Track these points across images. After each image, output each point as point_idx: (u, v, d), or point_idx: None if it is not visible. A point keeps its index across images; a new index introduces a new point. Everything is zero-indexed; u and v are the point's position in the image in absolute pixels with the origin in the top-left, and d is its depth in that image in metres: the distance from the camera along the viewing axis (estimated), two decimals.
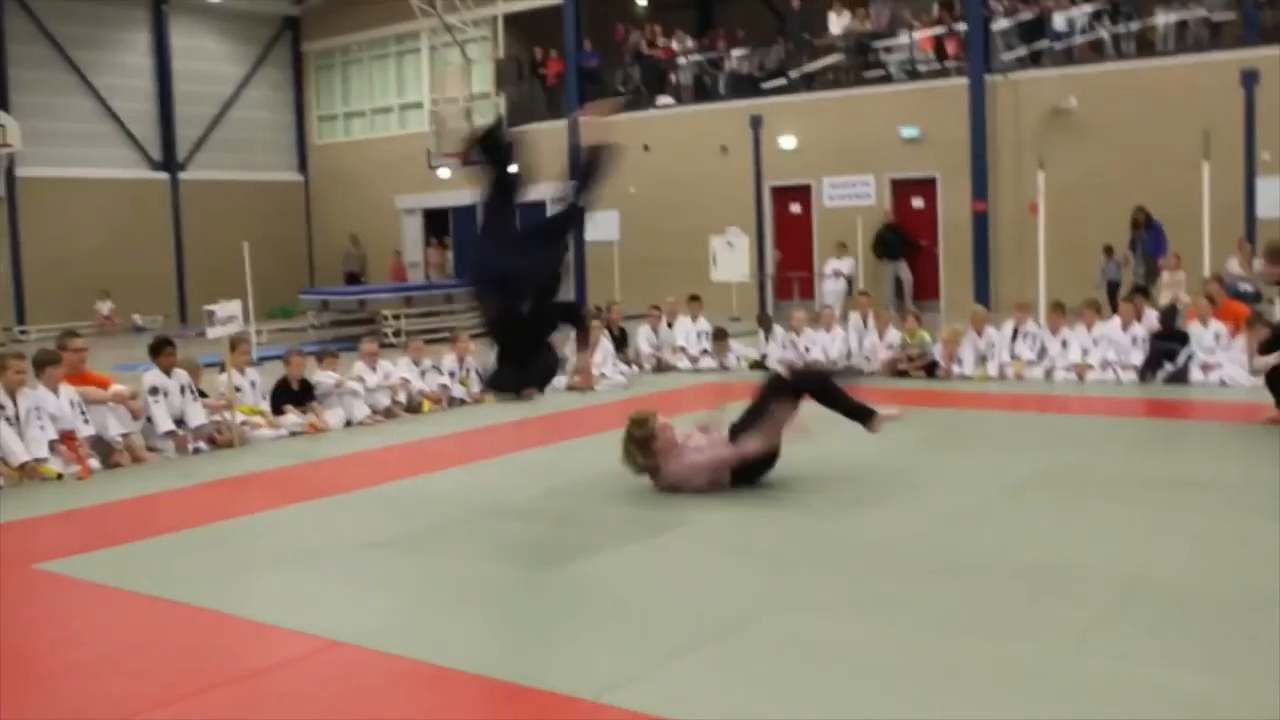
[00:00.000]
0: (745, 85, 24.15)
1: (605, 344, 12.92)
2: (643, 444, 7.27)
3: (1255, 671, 4.08)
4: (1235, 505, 6.60)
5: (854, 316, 14.31)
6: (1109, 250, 17.95)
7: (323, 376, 10.72)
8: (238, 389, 9.93)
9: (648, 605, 5.05)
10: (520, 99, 26.58)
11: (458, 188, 26.21)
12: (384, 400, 10.96)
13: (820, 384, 7.72)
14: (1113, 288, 17.51)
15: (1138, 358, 12.12)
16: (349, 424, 10.54)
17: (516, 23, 26.47)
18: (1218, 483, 7.19)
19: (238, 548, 6.33)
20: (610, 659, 4.40)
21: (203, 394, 9.82)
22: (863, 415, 7.62)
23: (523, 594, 5.30)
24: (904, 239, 21.34)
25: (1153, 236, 17.38)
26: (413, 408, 11.18)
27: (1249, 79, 18.50)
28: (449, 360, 11.84)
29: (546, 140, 25.02)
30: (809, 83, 23.44)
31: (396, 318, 18.91)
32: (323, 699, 4.13)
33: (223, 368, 10.12)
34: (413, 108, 29.10)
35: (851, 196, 22.02)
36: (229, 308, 9.88)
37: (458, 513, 6.91)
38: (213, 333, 9.83)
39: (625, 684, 4.14)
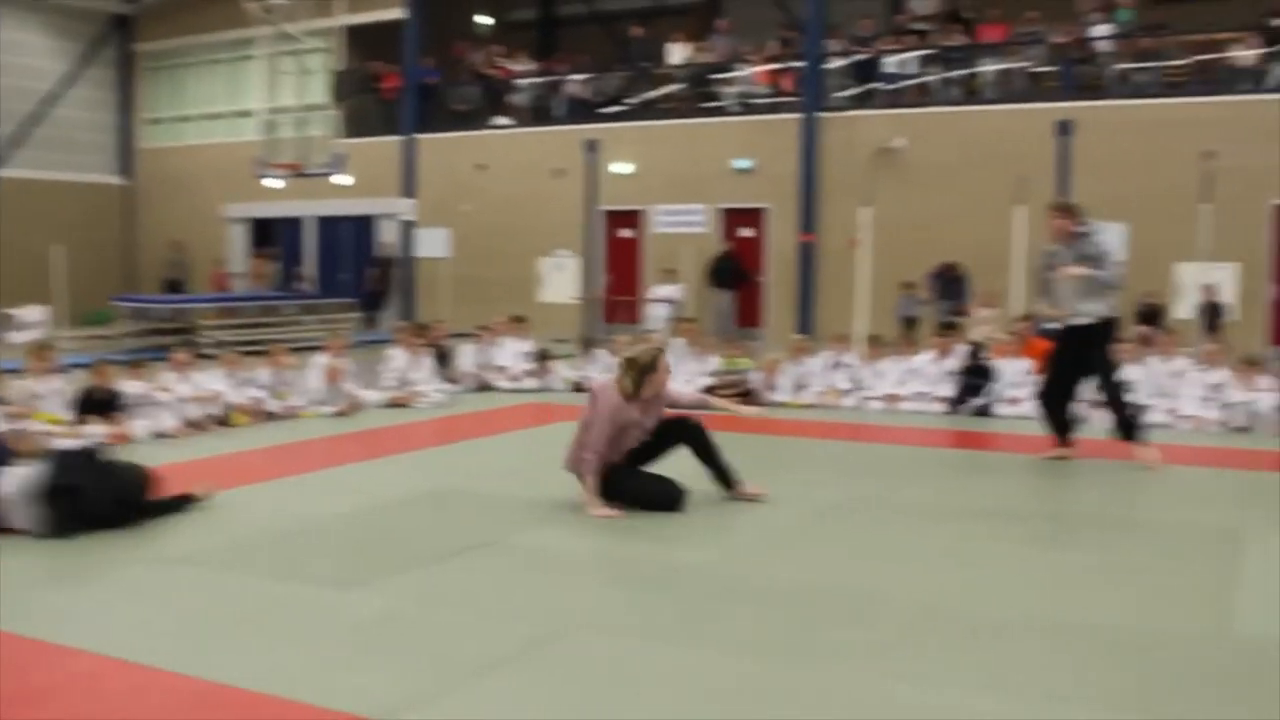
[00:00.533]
0: (583, 110, 24.27)
1: (426, 362, 12.80)
2: (643, 370, 7.36)
3: (1033, 692, 4.25)
4: (1024, 534, 6.84)
5: (677, 342, 14.44)
6: (909, 285, 18.49)
7: (130, 386, 10.39)
8: (38, 396, 9.57)
9: (451, 624, 5.01)
10: (356, 112, 26.27)
11: (286, 198, 25.79)
12: (194, 412, 10.66)
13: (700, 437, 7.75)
14: (909, 322, 18.05)
15: (947, 390, 12.51)
16: (156, 435, 10.22)
17: (356, 35, 26.16)
18: (1010, 511, 7.44)
19: None
20: (407, 679, 4.34)
21: (1, 400, 9.44)
22: (728, 480, 7.68)
23: (321, 613, 5.19)
24: (740, 270, 21.67)
25: (954, 286, 18.02)
26: (224, 421, 10.90)
27: (1064, 129, 19.29)
28: (264, 373, 11.59)
29: (381, 153, 24.99)
30: (646, 111, 23.68)
31: (215, 328, 18.43)
32: None
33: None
34: (245, 115, 28.48)
35: (682, 224, 22.26)
36: (31, 313, 9.53)
37: (260, 530, 6.74)
38: (13, 338, 9.46)
39: (419, 704, 4.09)
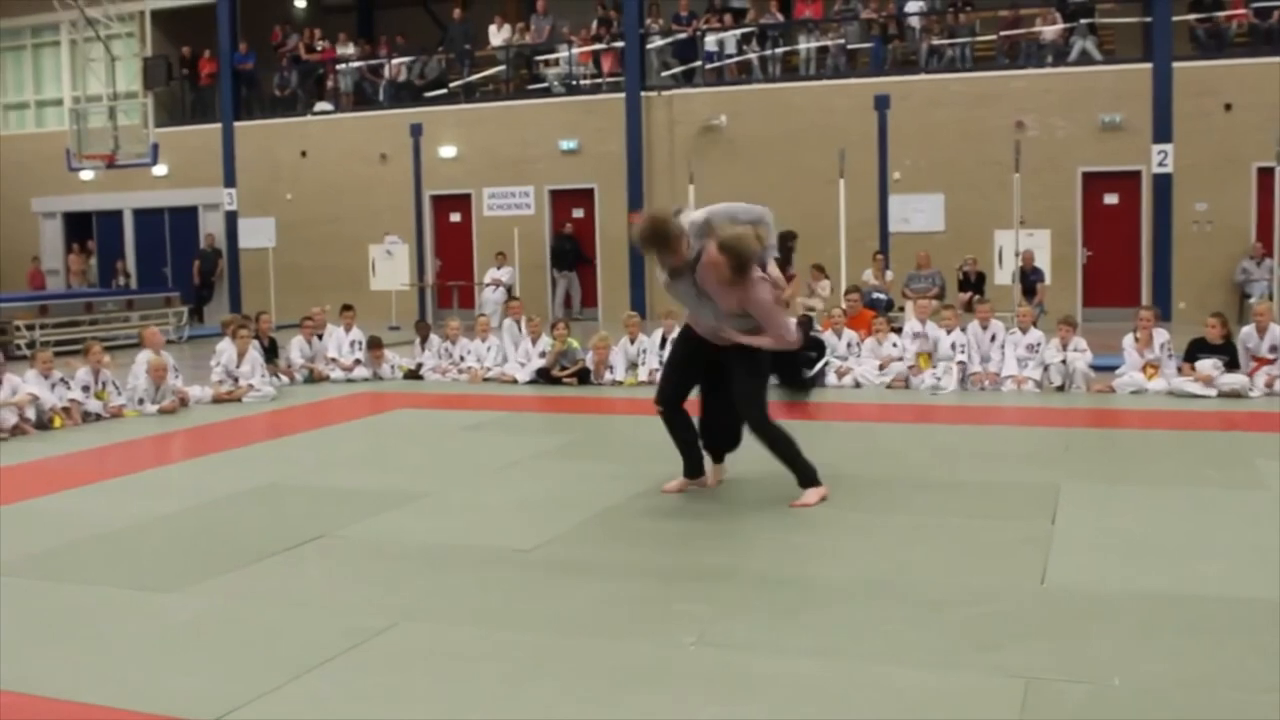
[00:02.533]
0: (406, 93, 23.97)
1: (254, 355, 12.50)
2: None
3: (857, 653, 4.36)
4: (855, 501, 6.99)
5: (508, 323, 14.40)
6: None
7: None
8: None
9: (276, 622, 4.91)
10: (170, 100, 25.48)
11: (101, 190, 24.94)
12: (10, 418, 10.21)
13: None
14: None
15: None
16: None
17: (165, 19, 25.33)
18: (843, 479, 7.57)
19: None
20: (231, 680, 4.23)
21: None
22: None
23: (143, 618, 5.04)
24: (578, 251, 21.72)
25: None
26: (43, 424, 10.49)
27: (881, 103, 19.74)
28: (83, 373, 11.17)
29: (197, 142, 24.31)
30: (469, 93, 23.49)
31: (30, 328, 17.72)
32: None
33: None
34: (52, 104, 27.40)
35: (511, 206, 22.20)
36: None
37: (80, 536, 6.50)
38: None
39: (244, 704, 4.00)
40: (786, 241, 15.31)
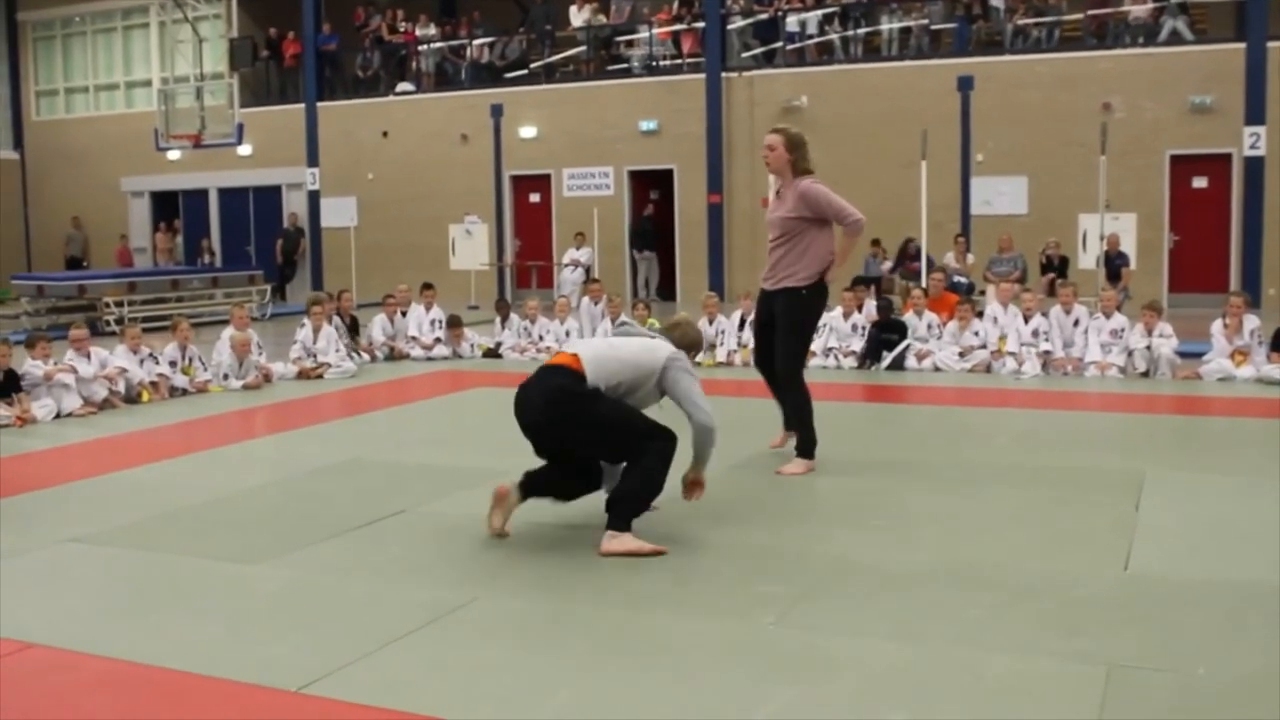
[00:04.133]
0: (487, 74, 24.10)
1: (330, 332, 12.66)
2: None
3: (942, 637, 4.33)
4: (938, 486, 6.94)
5: (586, 303, 14.45)
6: (875, 243, 18.23)
7: (30, 366, 10.16)
8: None
9: (361, 594, 4.98)
10: (255, 80, 25.83)
11: (188, 170, 25.36)
12: (100, 391, 10.44)
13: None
14: (867, 282, 17.97)
15: (859, 345, 12.64)
16: (59, 416, 10.01)
17: (251, 2, 25.68)
18: (925, 464, 7.54)
19: None
20: (319, 650, 4.30)
21: None
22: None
23: (232, 588, 5.13)
24: (658, 232, 21.78)
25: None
26: (131, 398, 10.71)
27: (965, 84, 19.51)
28: (170, 348, 11.38)
29: (283, 122, 24.61)
30: (550, 74, 23.56)
31: (119, 304, 18.08)
32: (16, 704, 3.92)
33: None
34: (140, 85, 27.89)
35: (590, 187, 22.25)
36: None
37: (170, 507, 6.64)
38: None
39: (332, 674, 4.07)
40: None
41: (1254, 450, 8.03)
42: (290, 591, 5.06)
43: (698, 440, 5.79)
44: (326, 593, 5.03)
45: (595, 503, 5.88)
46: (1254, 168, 18.32)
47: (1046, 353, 11.90)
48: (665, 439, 5.62)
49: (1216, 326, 11.56)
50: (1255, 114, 18.15)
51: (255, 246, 26.21)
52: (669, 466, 5.65)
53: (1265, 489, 6.77)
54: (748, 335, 12.85)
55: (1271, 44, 18.20)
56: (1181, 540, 5.67)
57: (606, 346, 5.97)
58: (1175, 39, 19.32)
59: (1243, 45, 18.38)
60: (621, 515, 5.53)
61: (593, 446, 5.73)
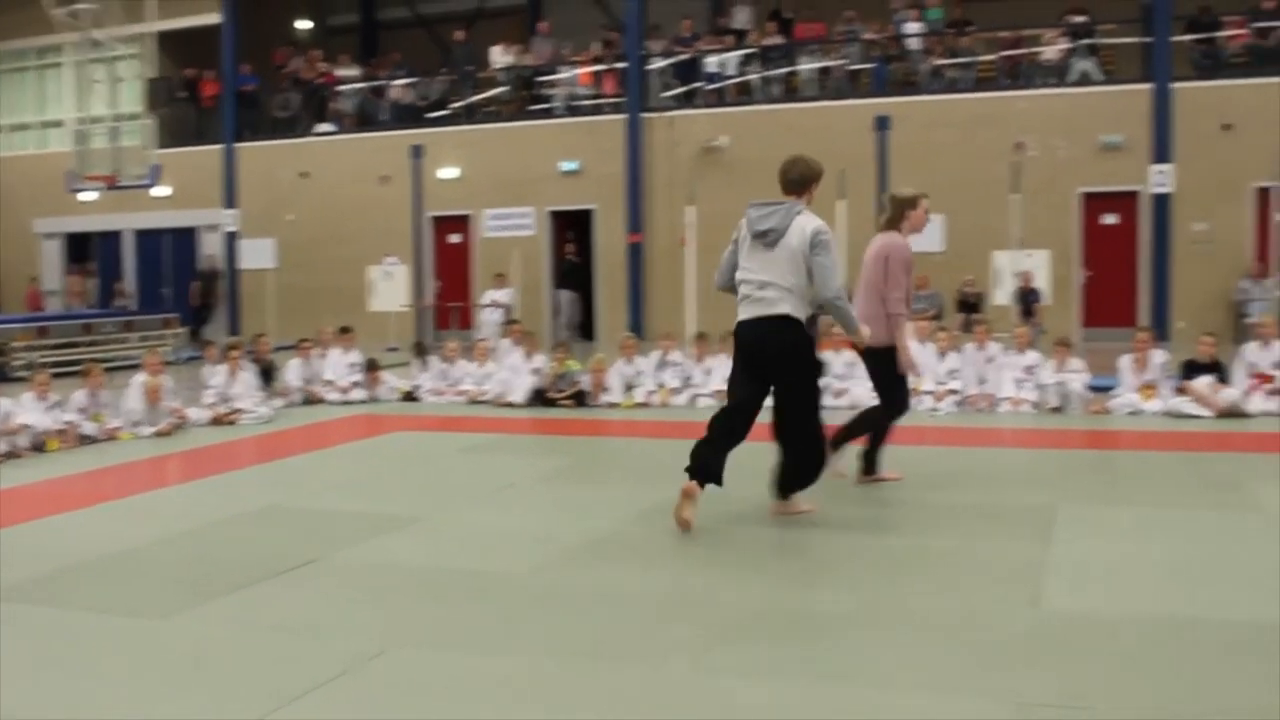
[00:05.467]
0: (408, 115, 24.03)
1: (247, 377, 12.49)
2: (903, 204, 7.84)
3: (862, 679, 4.33)
4: (854, 525, 6.97)
5: (506, 344, 14.40)
6: None
7: None
8: None
9: (271, 648, 4.89)
10: (173, 121, 25.55)
11: (103, 211, 24.98)
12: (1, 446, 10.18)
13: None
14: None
15: None
16: None
17: (169, 41, 25.42)
18: (841, 503, 7.56)
19: None
20: (224, 706, 4.21)
21: None
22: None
23: (139, 645, 5.01)
24: (583, 271, 21.79)
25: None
26: (37, 447, 10.48)
27: (882, 124, 19.73)
28: (79, 395, 11.16)
29: (201, 162, 24.36)
30: (471, 114, 23.56)
31: (29, 349, 17.72)
32: None
33: None
34: (54, 126, 27.49)
35: (511, 227, 22.22)
36: None
37: (73, 560, 6.47)
38: None
39: None
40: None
41: (1162, 483, 8.17)
42: (197, 647, 4.95)
43: None
44: (235, 647, 4.93)
45: (515, 547, 5.82)
46: (1161, 204, 18.73)
47: (953, 391, 12.04)
48: None
49: (1124, 361, 11.77)
50: (1161, 152, 18.57)
51: (171, 289, 25.86)
52: None
53: (1172, 523, 6.88)
54: (667, 376, 12.91)
55: (1176, 85, 18.66)
56: (1091, 576, 5.74)
57: None
58: (1085, 80, 19.74)
59: (1149, 86, 18.81)
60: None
61: None
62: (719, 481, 6.77)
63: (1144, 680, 4.28)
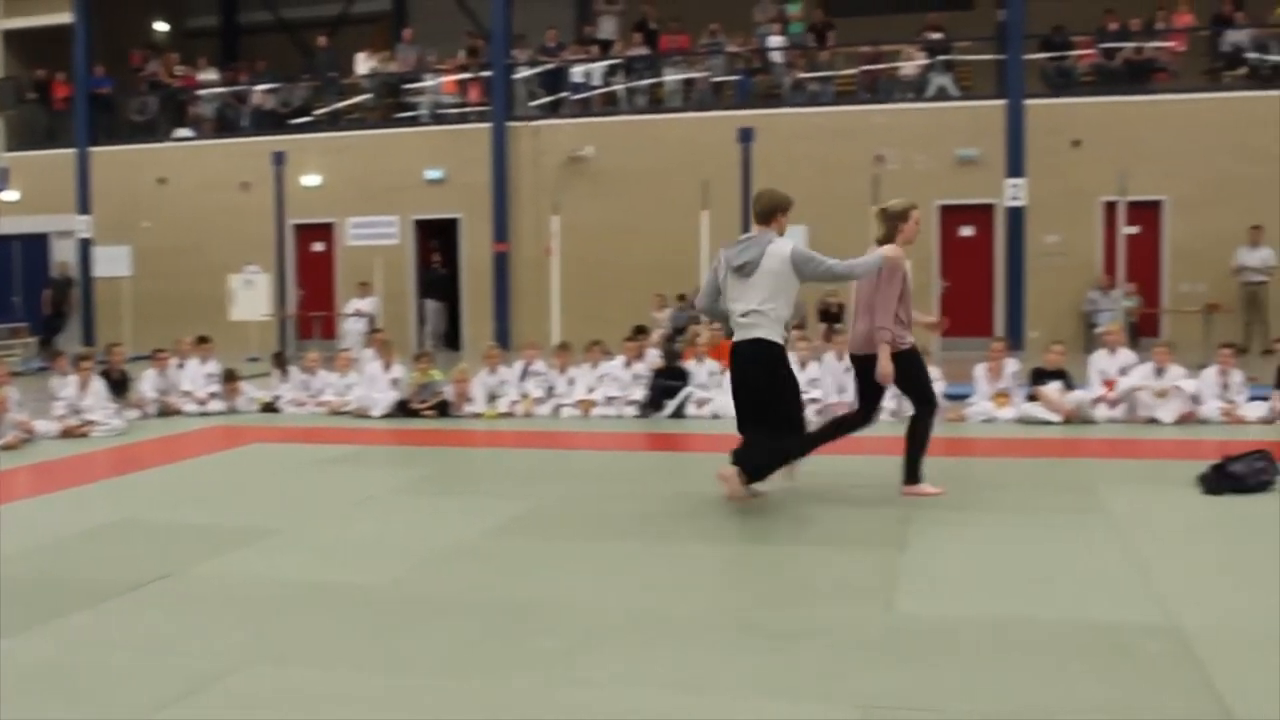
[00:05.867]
0: (269, 121, 23.64)
1: (98, 388, 12.16)
2: (895, 218, 7.99)
3: (718, 686, 4.39)
4: (714, 534, 7.05)
5: (369, 353, 14.26)
6: (682, 298, 18.38)
7: None
8: None
9: (119, 666, 4.76)
10: (21, 123, 24.79)
11: None
12: None
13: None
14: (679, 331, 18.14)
15: (640, 393, 12.77)
16: None
17: (18, 41, 24.71)
18: (703, 511, 7.64)
19: None
20: None
21: None
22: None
23: None
24: (450, 280, 21.65)
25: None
26: None
27: (745, 136, 19.97)
28: None
29: (50, 167, 23.65)
30: (335, 121, 23.27)
31: None
32: None
33: None
34: None
35: (375, 236, 21.98)
36: None
37: None
38: None
39: None
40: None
41: (1015, 489, 8.40)
42: (41, 667, 4.81)
43: None
44: (80, 667, 4.80)
45: (374, 559, 5.75)
46: (1015, 217, 19.27)
47: (814, 400, 12.22)
48: None
49: (979, 370, 12.08)
50: (1015, 167, 19.11)
51: (21, 297, 25.05)
52: None
53: (1022, 527, 7.08)
54: (530, 385, 12.90)
55: (1029, 101, 19.22)
56: (943, 580, 5.88)
57: None
58: (942, 95, 20.23)
59: (1003, 102, 19.35)
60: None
61: None
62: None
63: (992, 681, 4.40)
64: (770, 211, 7.65)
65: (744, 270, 7.47)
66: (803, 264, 7.44)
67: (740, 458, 7.64)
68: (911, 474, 8.10)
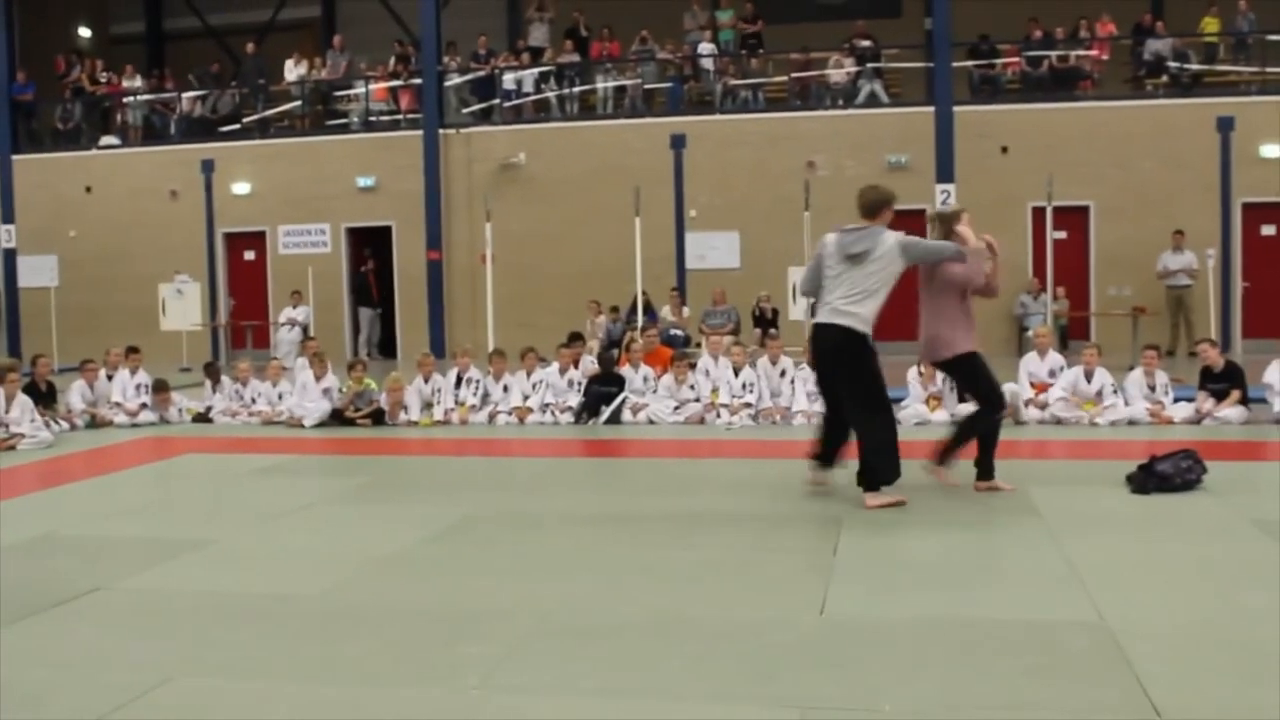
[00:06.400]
0: (198, 128, 23.38)
1: (24, 400, 11.94)
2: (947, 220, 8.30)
3: (645, 688, 4.40)
4: (647, 538, 7.06)
5: (302, 362, 14.15)
6: (615, 310, 18.28)
7: None
8: None
9: (43, 683, 4.68)
10: None
11: None
12: None
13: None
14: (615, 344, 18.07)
15: (575, 400, 12.76)
16: None
17: None
18: (636, 516, 7.66)
19: None
20: None
21: None
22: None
23: None
24: (383, 288, 21.53)
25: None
26: None
27: (678, 142, 20.09)
28: None
29: None
30: (265, 129, 23.06)
31: None
32: None
33: None
34: None
35: (307, 244, 21.82)
36: None
37: None
38: None
39: None
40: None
41: (946, 490, 8.45)
42: None
43: None
44: (4, 684, 4.71)
45: (308, 569, 5.70)
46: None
47: (748, 404, 12.30)
48: None
49: (912, 374, 12.20)
50: (945, 172, 19.31)
51: None
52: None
53: (954, 528, 7.16)
54: (465, 393, 12.85)
55: (957, 108, 19.44)
56: (875, 581, 5.93)
57: None
58: (873, 101, 20.44)
59: (932, 109, 19.55)
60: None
61: None
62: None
63: (923, 679, 4.44)
64: (877, 206, 7.98)
65: (857, 259, 7.78)
66: (910, 246, 7.89)
67: (863, 479, 7.87)
68: (985, 471, 8.34)
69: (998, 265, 8.45)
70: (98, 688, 4.57)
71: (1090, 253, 19.50)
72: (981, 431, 8.39)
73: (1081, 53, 20.36)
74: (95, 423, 13.08)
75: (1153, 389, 12.00)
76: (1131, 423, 11.63)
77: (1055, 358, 12.52)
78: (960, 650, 4.78)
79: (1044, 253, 16.41)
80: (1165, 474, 8.07)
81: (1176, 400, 11.96)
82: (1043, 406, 11.90)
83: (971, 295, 8.30)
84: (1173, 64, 20.05)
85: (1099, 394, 11.87)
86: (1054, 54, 20.34)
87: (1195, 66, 20.14)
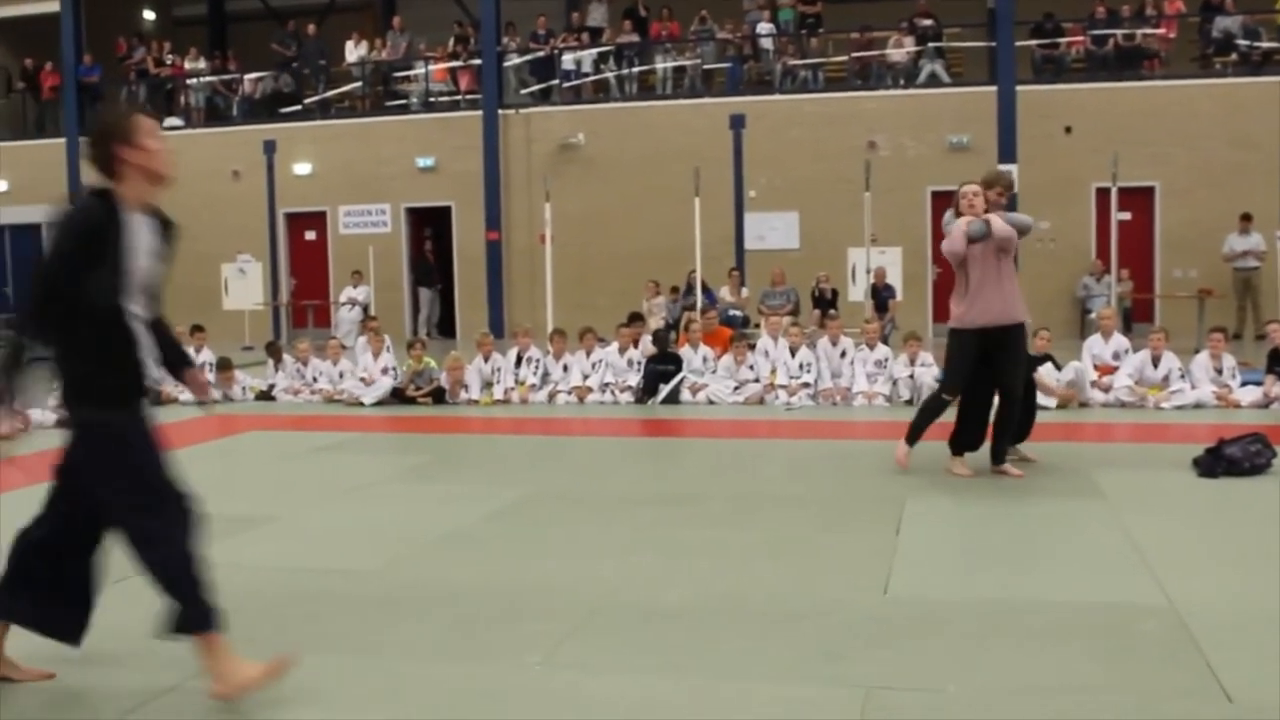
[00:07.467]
0: (260, 109, 23.57)
1: None
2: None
3: (707, 669, 4.39)
4: (708, 518, 7.06)
5: (363, 341, 14.24)
6: (675, 290, 18.29)
7: None
8: None
9: (105, 656, 4.76)
10: (10, 113, 24.70)
11: None
12: None
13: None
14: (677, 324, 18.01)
15: (635, 380, 12.77)
16: None
17: (5, 30, 24.57)
18: (697, 496, 7.66)
19: None
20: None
21: None
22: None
23: None
24: (444, 268, 21.65)
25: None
26: None
27: (737, 123, 20.00)
28: None
29: (40, 157, 23.55)
30: (325, 110, 23.20)
31: None
32: None
33: None
34: None
35: (367, 225, 21.95)
36: None
37: None
38: None
39: None
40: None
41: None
42: (34, 658, 4.79)
43: None
44: (72, 655, 4.76)
45: (369, 545, 5.71)
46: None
47: (805, 385, 12.25)
48: None
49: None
50: (1007, 153, 19.08)
51: (13, 288, 24.96)
52: None
53: (1017, 510, 7.10)
54: (525, 372, 12.88)
55: (1020, 88, 19.21)
56: (938, 562, 5.90)
57: None
58: (934, 81, 20.23)
59: (994, 88, 19.34)
60: None
61: None
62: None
63: (985, 661, 4.42)
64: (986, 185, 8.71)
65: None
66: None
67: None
68: (998, 456, 8.27)
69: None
70: (164, 661, 4.62)
71: (1155, 234, 19.22)
72: (929, 407, 8.47)
73: (1148, 31, 20.02)
74: (161, 400, 13.22)
75: (1219, 372, 11.82)
76: (1198, 406, 11.47)
77: (1120, 340, 12.37)
78: (1024, 632, 4.74)
79: (1108, 234, 16.19)
80: (1234, 458, 7.95)
81: (1244, 384, 11.77)
82: (1107, 389, 11.76)
83: (960, 269, 8.59)
84: (1242, 41, 19.67)
85: (1166, 379, 11.70)
86: (1120, 32, 20.01)
87: (1266, 44, 19.75)
